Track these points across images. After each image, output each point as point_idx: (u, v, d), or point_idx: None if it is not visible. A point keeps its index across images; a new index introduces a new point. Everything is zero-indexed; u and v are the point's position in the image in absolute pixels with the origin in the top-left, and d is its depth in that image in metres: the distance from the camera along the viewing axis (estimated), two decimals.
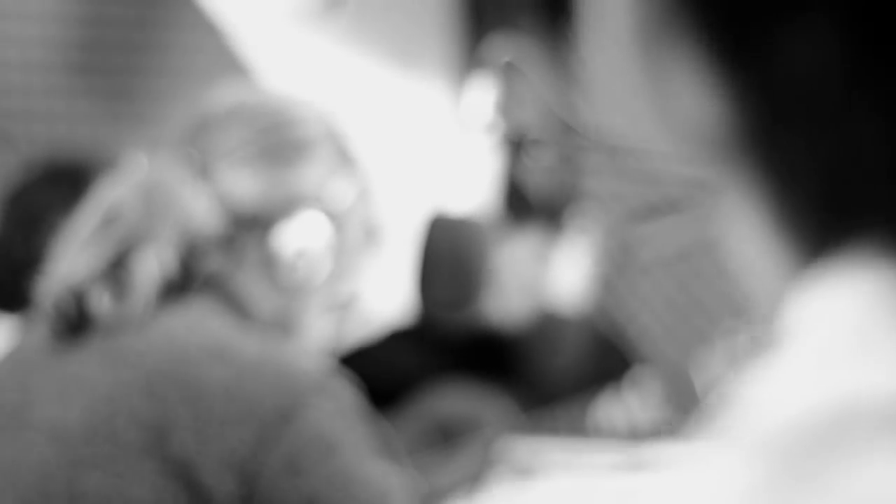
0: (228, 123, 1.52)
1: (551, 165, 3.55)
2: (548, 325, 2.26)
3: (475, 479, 2.05)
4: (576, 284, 2.25)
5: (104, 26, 3.26)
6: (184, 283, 1.47)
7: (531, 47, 3.46)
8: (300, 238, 1.51)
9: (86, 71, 3.23)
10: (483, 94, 1.61)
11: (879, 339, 0.40)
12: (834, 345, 0.41)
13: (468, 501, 1.86)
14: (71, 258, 1.47)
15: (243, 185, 1.50)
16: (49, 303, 1.46)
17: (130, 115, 3.24)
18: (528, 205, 2.99)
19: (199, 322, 1.42)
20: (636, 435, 2.11)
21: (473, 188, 1.59)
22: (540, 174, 3.62)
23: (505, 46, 1.61)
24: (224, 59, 3.33)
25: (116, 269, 1.45)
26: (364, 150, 1.62)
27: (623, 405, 2.29)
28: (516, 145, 1.62)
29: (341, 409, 1.38)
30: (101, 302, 1.43)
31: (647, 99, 0.44)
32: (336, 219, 1.54)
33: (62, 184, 2.32)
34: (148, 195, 1.47)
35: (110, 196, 1.49)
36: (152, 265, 1.44)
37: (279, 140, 1.52)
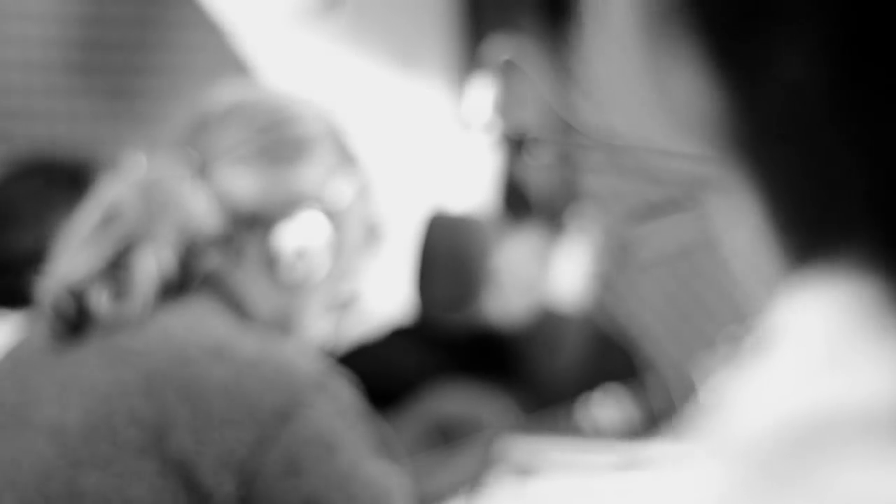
0: (227, 122, 1.52)
1: (551, 164, 3.55)
2: (548, 324, 2.26)
3: (475, 479, 2.05)
4: (576, 283, 2.25)
5: (104, 26, 3.25)
6: (183, 281, 1.47)
7: (531, 47, 3.46)
8: (300, 237, 1.51)
9: (86, 70, 3.23)
10: (482, 94, 1.61)
11: (856, 350, 0.40)
12: (811, 353, 0.41)
13: (468, 502, 1.85)
14: (70, 257, 1.47)
15: (242, 183, 1.50)
16: (48, 302, 1.46)
17: (131, 115, 3.24)
18: (528, 204, 2.98)
19: (198, 321, 1.42)
20: (635, 435, 2.11)
21: (473, 187, 1.59)
22: (540, 173, 3.62)
23: (504, 45, 1.61)
24: (225, 59, 3.33)
25: (115, 269, 1.45)
26: (364, 149, 1.62)
27: (622, 405, 2.29)
28: (516, 144, 1.61)
29: (340, 408, 1.38)
30: (101, 301, 1.43)
31: (648, 94, 0.44)
32: (336, 217, 1.54)
33: (36, 180, 2.31)
34: (147, 194, 1.47)
35: (110, 195, 1.49)
36: (151, 264, 1.44)
37: (278, 138, 1.52)
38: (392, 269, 2.71)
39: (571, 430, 2.17)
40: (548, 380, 2.62)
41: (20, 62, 3.15)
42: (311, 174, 1.52)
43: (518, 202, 3.00)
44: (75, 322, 1.45)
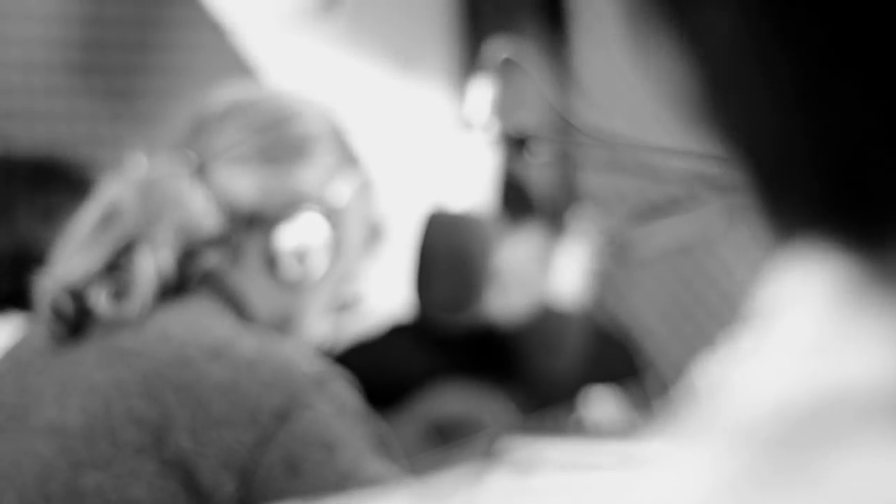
0: (226, 122, 1.52)
1: (551, 164, 3.55)
2: (548, 323, 2.26)
3: (476, 479, 2.05)
4: (576, 282, 2.25)
5: (105, 26, 3.26)
6: (182, 281, 1.47)
7: (531, 46, 3.46)
8: (299, 236, 1.51)
9: (87, 70, 3.23)
10: (482, 93, 1.61)
11: (846, 331, 0.39)
12: (802, 336, 0.40)
13: (469, 502, 1.85)
14: (69, 257, 1.47)
15: (241, 183, 1.50)
16: (47, 302, 1.46)
17: (131, 115, 3.24)
18: (528, 204, 2.98)
19: (197, 321, 1.42)
20: (635, 434, 2.11)
21: (473, 187, 1.59)
22: (540, 173, 3.62)
23: (504, 45, 1.61)
24: (225, 59, 3.33)
25: (114, 269, 1.45)
26: (363, 149, 1.62)
27: (622, 404, 2.29)
28: (516, 144, 1.61)
29: (340, 408, 1.38)
30: (100, 301, 1.43)
31: (641, 84, 0.44)
32: (336, 217, 1.54)
33: (17, 180, 2.31)
34: (146, 194, 1.47)
35: (109, 195, 1.49)
36: (150, 264, 1.44)
37: (277, 138, 1.51)
38: (392, 269, 2.71)
39: (571, 429, 2.17)
40: (548, 379, 2.62)
41: (21, 62, 3.15)
42: (311, 174, 1.52)
43: (518, 202, 2.99)
44: (74, 322, 1.45)
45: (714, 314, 3.24)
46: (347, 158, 1.56)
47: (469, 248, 1.58)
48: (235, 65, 3.35)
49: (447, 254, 1.58)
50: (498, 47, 1.60)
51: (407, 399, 3.04)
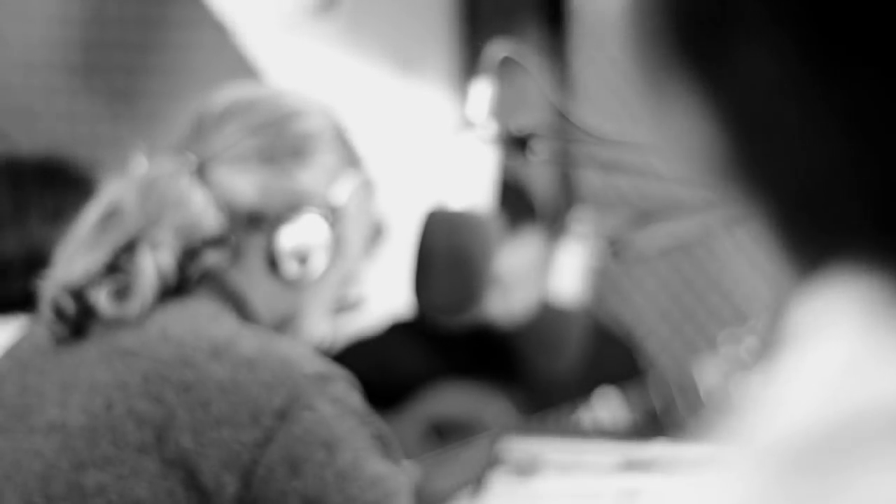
0: (226, 121, 1.52)
1: (551, 164, 3.54)
2: (549, 323, 2.26)
3: (478, 479, 2.05)
4: (576, 282, 2.24)
5: (105, 26, 3.26)
6: (182, 281, 1.47)
7: (531, 46, 3.45)
8: (300, 235, 1.51)
9: (87, 71, 3.23)
10: (482, 93, 1.61)
11: (876, 351, 0.40)
12: (834, 356, 0.41)
13: (471, 502, 1.86)
14: (69, 257, 1.47)
15: (242, 182, 1.50)
16: (48, 302, 1.46)
17: (132, 115, 3.24)
18: (528, 204, 2.98)
19: (197, 321, 1.42)
20: (636, 434, 2.10)
21: (473, 187, 1.58)
22: (540, 173, 3.62)
23: (504, 45, 1.61)
24: (227, 60, 3.33)
25: (115, 269, 1.45)
26: (364, 149, 1.62)
27: (623, 404, 2.29)
28: (516, 144, 1.61)
29: (341, 408, 1.38)
30: (100, 301, 1.43)
31: (652, 124, 0.44)
32: (337, 215, 1.54)
33: (27, 182, 2.31)
34: (146, 194, 1.47)
35: (109, 195, 1.49)
36: (151, 264, 1.44)
37: (278, 136, 1.51)
38: (393, 269, 2.70)
39: (572, 429, 2.17)
40: (549, 379, 2.62)
41: (21, 63, 3.15)
42: (311, 173, 1.52)
43: (518, 202, 2.99)
44: (75, 322, 1.45)
45: (714, 314, 3.23)
46: (348, 158, 1.56)
47: (469, 247, 1.56)
48: (236, 65, 3.35)
49: (447, 253, 1.56)
50: (498, 48, 1.60)
51: (407, 398, 3.03)
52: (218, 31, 3.38)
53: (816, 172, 0.41)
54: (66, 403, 1.41)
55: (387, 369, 3.06)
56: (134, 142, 1.56)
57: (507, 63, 1.60)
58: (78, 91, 3.22)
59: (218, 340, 1.39)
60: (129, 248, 1.45)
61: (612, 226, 2.17)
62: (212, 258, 1.48)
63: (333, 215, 1.53)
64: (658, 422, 2.24)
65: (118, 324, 1.43)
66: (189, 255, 1.47)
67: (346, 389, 1.40)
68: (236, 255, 1.50)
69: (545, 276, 2.93)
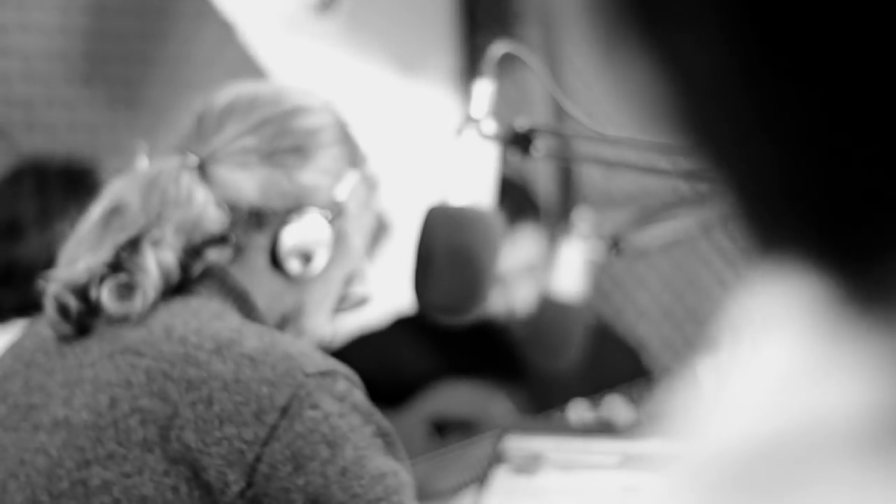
0: (228, 119, 1.52)
1: (552, 162, 3.54)
2: (551, 321, 2.25)
3: (481, 478, 2.05)
4: (577, 280, 2.24)
5: (107, 38, 3.26)
6: (186, 278, 1.47)
7: (531, 45, 3.46)
8: (303, 233, 1.51)
9: (89, 82, 3.23)
10: (483, 91, 1.61)
11: (831, 356, 0.38)
12: (784, 360, 0.39)
13: (474, 500, 1.85)
14: (73, 255, 1.47)
15: (244, 179, 1.50)
16: (52, 301, 1.46)
17: (133, 126, 3.25)
18: (530, 201, 2.98)
19: (201, 318, 1.43)
20: (637, 432, 2.11)
21: (474, 185, 1.58)
22: (541, 170, 3.62)
23: (505, 44, 1.61)
24: (230, 70, 3.33)
25: (118, 267, 1.45)
26: (367, 147, 1.62)
27: (625, 402, 2.29)
28: (516, 142, 1.61)
29: (345, 405, 1.38)
30: (104, 299, 1.44)
31: (612, 87, 0.43)
32: (340, 212, 1.54)
33: (51, 189, 2.32)
34: (149, 192, 1.48)
35: (112, 193, 1.49)
36: (154, 262, 1.44)
37: (281, 134, 1.51)
38: (396, 266, 2.71)
39: (574, 427, 2.17)
40: (551, 376, 2.61)
41: (22, 74, 3.15)
42: (314, 170, 1.52)
43: (519, 199, 3.00)
44: (79, 320, 1.45)
45: (714, 311, 3.23)
46: (351, 155, 1.56)
47: (472, 245, 1.54)
48: (239, 72, 3.35)
49: (448, 251, 1.55)
50: (499, 46, 1.60)
51: (410, 394, 3.03)
52: (221, 43, 3.38)
53: (748, 167, 0.40)
54: (70, 401, 1.41)
55: (390, 365, 3.06)
56: (136, 142, 1.57)
57: (508, 60, 1.60)
58: (80, 102, 3.23)
59: (221, 338, 1.39)
60: (131, 247, 1.45)
61: (614, 223, 2.17)
62: (214, 256, 1.48)
63: (336, 212, 1.53)
64: (659, 420, 2.24)
65: (122, 322, 1.43)
66: (192, 252, 1.47)
67: (349, 386, 1.40)
68: (239, 252, 1.50)
69: (546, 273, 2.93)
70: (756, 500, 0.37)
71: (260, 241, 1.51)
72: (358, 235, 1.58)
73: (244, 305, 1.49)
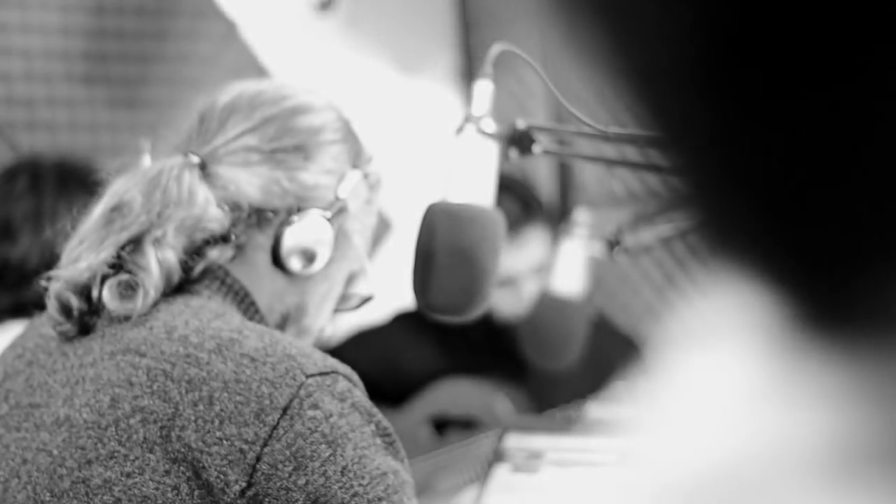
0: (230, 117, 1.52)
1: (553, 159, 3.54)
2: (553, 318, 2.25)
3: (482, 476, 2.05)
4: (578, 278, 2.24)
5: (107, 37, 3.26)
6: (187, 277, 1.47)
7: (531, 43, 3.46)
8: (305, 232, 1.51)
9: (89, 81, 3.24)
10: (484, 90, 1.61)
11: (788, 379, 0.37)
12: (738, 380, 0.38)
13: (476, 498, 1.86)
14: (75, 254, 1.48)
15: (246, 178, 1.50)
16: (54, 300, 1.47)
17: (134, 125, 3.25)
18: (531, 199, 2.98)
19: (201, 317, 1.43)
20: (638, 429, 2.10)
21: (475, 183, 1.58)
22: (541, 168, 3.62)
23: (506, 43, 1.62)
24: (231, 68, 3.33)
25: (120, 266, 1.46)
26: (369, 146, 1.62)
27: (625, 399, 2.29)
28: (516, 140, 1.61)
29: (345, 404, 1.38)
30: (105, 298, 1.44)
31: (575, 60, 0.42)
32: (342, 211, 1.54)
33: (46, 189, 2.31)
34: (151, 191, 1.48)
35: (115, 191, 1.50)
36: (155, 261, 1.44)
37: (283, 132, 1.52)
38: (397, 264, 2.71)
39: (577, 426, 2.18)
40: (553, 374, 2.61)
41: (23, 73, 3.16)
42: (317, 168, 1.52)
43: (524, 198, 3.00)
44: (81, 319, 1.46)
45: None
46: (354, 153, 1.56)
47: (472, 243, 1.54)
48: (241, 71, 3.35)
49: (448, 250, 1.54)
50: (499, 45, 1.60)
51: (411, 390, 3.03)
52: (221, 42, 3.38)
53: (705, 163, 0.38)
54: (71, 400, 1.41)
55: (391, 361, 3.06)
56: (138, 141, 1.57)
57: (508, 59, 1.60)
58: (81, 102, 3.23)
59: (222, 337, 1.39)
60: (133, 246, 1.46)
61: (615, 220, 2.17)
62: (215, 255, 1.48)
63: (338, 211, 1.53)
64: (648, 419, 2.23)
65: (123, 321, 1.44)
66: (193, 252, 1.47)
67: (349, 386, 1.40)
68: (240, 251, 1.50)
69: (548, 271, 2.93)
70: None
71: (261, 241, 1.51)
72: (359, 235, 1.58)
73: (245, 305, 1.49)
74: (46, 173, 2.32)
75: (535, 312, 2.28)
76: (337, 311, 1.64)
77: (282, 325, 1.54)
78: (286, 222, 1.50)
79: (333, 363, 1.41)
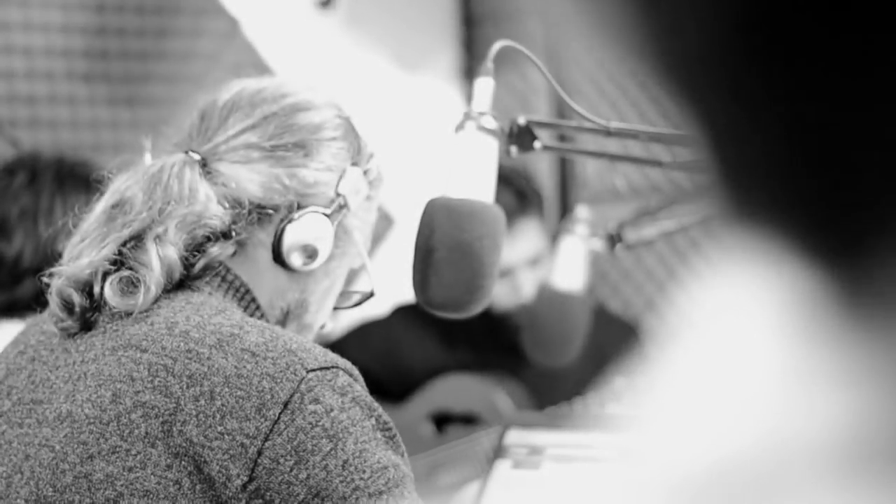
0: (231, 114, 1.52)
1: (553, 154, 3.54)
2: (554, 312, 2.25)
3: (483, 472, 2.05)
4: (578, 273, 2.24)
5: (108, 36, 3.26)
6: (188, 274, 1.48)
7: (532, 39, 3.46)
8: (306, 228, 1.51)
9: (90, 79, 3.24)
10: (485, 85, 1.61)
11: (812, 363, 0.35)
12: (757, 367, 0.36)
13: (477, 493, 1.86)
14: (77, 251, 1.48)
15: (247, 174, 1.50)
16: (55, 296, 1.47)
17: (135, 123, 3.25)
18: (532, 193, 2.98)
19: (202, 313, 1.43)
20: (639, 424, 2.10)
21: (476, 179, 1.58)
22: (542, 163, 3.62)
23: (506, 39, 1.62)
24: (231, 66, 3.33)
25: (121, 262, 1.46)
26: (371, 142, 1.62)
27: (626, 394, 2.29)
28: (516, 136, 1.62)
29: (345, 398, 1.38)
30: (107, 294, 1.44)
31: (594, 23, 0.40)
32: (343, 207, 1.54)
33: (44, 187, 2.31)
34: (152, 188, 1.48)
35: (116, 190, 1.50)
36: (156, 257, 1.45)
37: (284, 128, 1.52)
38: (398, 261, 2.71)
39: (578, 421, 2.18)
40: (553, 368, 2.61)
41: (24, 71, 3.16)
42: (318, 165, 1.53)
43: (521, 191, 3.00)
44: (83, 315, 1.46)
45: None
46: (355, 150, 1.57)
47: (472, 238, 1.53)
48: (242, 68, 3.35)
49: (448, 245, 1.53)
50: (501, 41, 1.60)
51: (410, 385, 3.03)
52: (221, 40, 3.38)
53: (732, 126, 0.36)
54: (74, 396, 1.42)
55: (391, 356, 3.06)
56: (139, 138, 1.57)
57: (511, 55, 1.60)
58: (82, 100, 3.23)
59: (223, 333, 1.40)
60: (134, 242, 1.46)
61: (616, 216, 2.17)
62: (216, 251, 1.48)
63: (339, 208, 1.54)
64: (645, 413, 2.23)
65: (124, 317, 1.44)
66: (194, 248, 1.48)
67: (350, 381, 1.40)
68: (241, 248, 1.51)
69: (543, 263, 2.93)
70: None
71: (262, 237, 1.51)
72: (360, 231, 1.58)
73: (246, 301, 1.50)
74: (45, 171, 2.32)
75: (536, 308, 2.28)
76: (339, 308, 1.65)
77: (283, 321, 1.54)
78: (287, 219, 1.50)
79: (334, 358, 1.41)
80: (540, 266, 2.95)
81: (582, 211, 2.23)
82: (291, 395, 1.35)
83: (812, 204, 0.35)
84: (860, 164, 0.34)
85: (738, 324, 0.37)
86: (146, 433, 1.36)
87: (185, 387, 1.36)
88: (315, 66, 3.51)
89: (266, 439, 1.34)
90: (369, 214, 1.60)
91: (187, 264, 1.47)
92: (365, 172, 1.57)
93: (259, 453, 1.34)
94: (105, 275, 1.45)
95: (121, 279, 1.45)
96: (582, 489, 0.40)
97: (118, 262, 1.46)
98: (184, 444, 1.34)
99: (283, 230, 1.50)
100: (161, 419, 1.35)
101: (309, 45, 3.55)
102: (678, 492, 0.36)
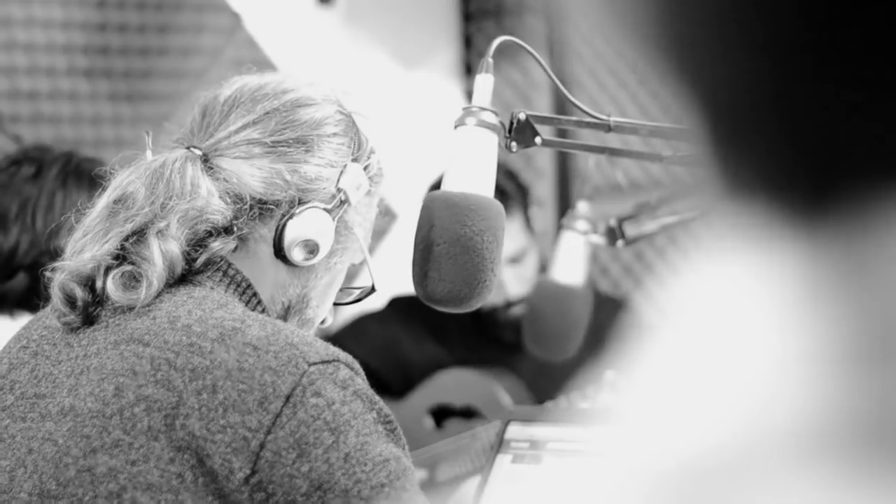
0: (233, 110, 1.53)
1: (553, 149, 3.54)
2: (551, 309, 2.25)
3: (483, 466, 2.06)
4: (578, 268, 2.25)
5: (109, 31, 3.27)
6: (190, 267, 1.48)
7: (532, 34, 3.46)
8: (307, 223, 1.52)
9: (91, 75, 3.24)
10: (484, 81, 1.61)
11: (803, 355, 0.34)
12: (750, 355, 0.36)
13: (477, 488, 1.86)
14: (79, 246, 1.48)
15: (248, 170, 1.50)
16: (58, 291, 1.48)
17: (136, 119, 3.25)
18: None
19: (204, 307, 1.44)
20: (629, 417, 2.10)
21: (474, 174, 1.58)
22: (539, 159, 3.63)
23: (506, 34, 1.62)
24: (232, 62, 3.33)
25: (124, 257, 1.46)
26: (373, 138, 1.62)
27: (624, 390, 2.29)
28: (515, 131, 1.62)
29: (347, 391, 1.39)
30: (109, 289, 1.45)
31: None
32: (344, 202, 1.55)
33: (49, 181, 2.31)
34: (154, 184, 1.49)
35: (118, 185, 1.50)
36: (158, 252, 1.45)
37: (285, 124, 1.52)
38: (398, 257, 2.71)
39: (576, 415, 2.18)
40: (553, 363, 2.61)
41: (26, 67, 3.16)
42: (319, 160, 1.53)
43: (518, 189, 3.00)
44: (85, 310, 1.46)
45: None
46: (356, 146, 1.57)
47: (473, 232, 1.53)
48: (243, 64, 3.35)
49: (448, 240, 1.53)
50: (503, 37, 1.61)
51: (411, 379, 3.03)
52: (222, 36, 3.38)
53: (743, 103, 0.35)
54: (76, 390, 1.42)
55: (389, 348, 3.06)
56: (141, 134, 1.57)
57: (512, 50, 1.61)
58: (83, 95, 3.23)
59: (225, 327, 1.40)
60: (137, 237, 1.47)
61: (615, 209, 2.17)
62: (218, 246, 1.49)
63: (340, 203, 1.54)
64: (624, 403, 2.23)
65: (127, 311, 1.45)
66: (196, 243, 1.48)
67: (351, 374, 1.40)
68: (243, 243, 1.51)
69: (531, 262, 2.94)
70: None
71: (263, 232, 1.51)
72: (361, 227, 1.58)
73: (247, 295, 1.50)
74: (51, 166, 2.32)
75: (536, 303, 2.28)
76: (340, 303, 1.65)
77: (284, 315, 1.55)
78: (288, 214, 1.51)
79: (335, 351, 1.41)
80: (523, 263, 2.95)
81: (582, 206, 2.23)
82: (293, 389, 1.36)
83: (803, 178, 0.34)
84: (850, 139, 0.33)
85: (732, 308, 0.37)
86: (149, 427, 1.36)
87: (187, 380, 1.36)
88: (316, 61, 3.52)
89: (268, 432, 1.34)
90: (370, 210, 1.60)
91: (189, 259, 1.48)
92: (366, 168, 1.58)
93: (261, 446, 1.34)
94: (107, 269, 1.46)
95: (123, 274, 1.45)
96: (578, 484, 0.39)
97: (120, 257, 1.46)
98: (186, 438, 1.35)
99: (284, 225, 1.51)
100: (164, 413, 1.36)
101: (310, 41, 3.55)
102: (665, 484, 0.36)
